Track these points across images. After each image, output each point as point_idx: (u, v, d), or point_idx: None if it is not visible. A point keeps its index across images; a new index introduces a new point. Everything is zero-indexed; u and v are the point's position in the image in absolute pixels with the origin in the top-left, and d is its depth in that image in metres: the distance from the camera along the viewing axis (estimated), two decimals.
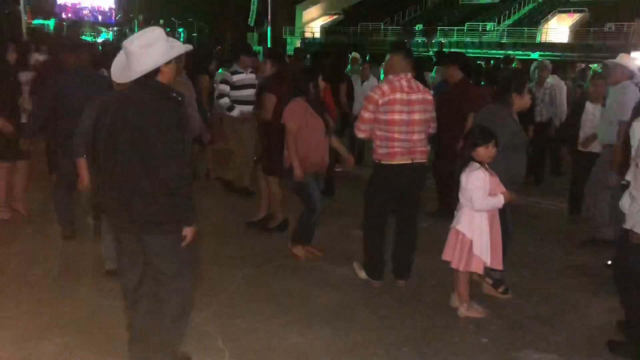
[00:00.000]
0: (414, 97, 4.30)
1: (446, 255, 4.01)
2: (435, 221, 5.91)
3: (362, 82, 8.53)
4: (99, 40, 24.30)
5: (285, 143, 4.81)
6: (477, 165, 3.80)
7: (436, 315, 4.05)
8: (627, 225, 3.44)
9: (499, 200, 3.82)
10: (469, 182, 3.80)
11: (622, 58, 5.46)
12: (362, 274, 4.62)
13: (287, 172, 4.90)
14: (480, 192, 3.77)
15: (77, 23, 29.90)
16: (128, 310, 3.16)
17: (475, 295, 4.18)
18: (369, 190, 4.55)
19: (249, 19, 33.54)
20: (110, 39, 26.59)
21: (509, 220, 4.24)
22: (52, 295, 4.15)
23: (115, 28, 29.46)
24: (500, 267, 3.98)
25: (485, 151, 3.78)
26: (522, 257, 5.05)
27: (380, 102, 4.24)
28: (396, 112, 4.25)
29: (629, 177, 3.55)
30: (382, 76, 5.10)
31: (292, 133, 4.72)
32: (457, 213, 3.97)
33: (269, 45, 28.62)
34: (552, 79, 7.96)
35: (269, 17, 32.96)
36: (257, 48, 27.45)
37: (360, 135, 4.47)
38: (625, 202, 3.51)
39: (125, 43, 2.83)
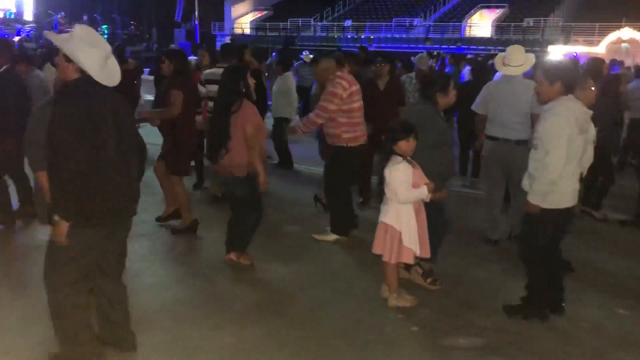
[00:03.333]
0: (357, 87, 5.19)
1: (376, 249, 4.05)
2: (362, 214, 5.98)
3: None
4: (15, 37, 22.98)
5: (241, 147, 4.38)
6: (400, 158, 3.86)
7: (367, 307, 4.09)
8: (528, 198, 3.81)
9: (423, 192, 3.89)
10: (392, 176, 3.85)
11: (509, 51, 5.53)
12: (331, 237, 5.36)
13: (235, 180, 4.51)
14: (403, 185, 3.83)
15: None
16: None
17: (405, 285, 4.25)
18: (337, 169, 5.34)
19: (176, 15, 32.71)
20: (29, 37, 25.21)
21: (444, 213, 4.37)
22: None
23: (33, 24, 27.96)
24: (428, 255, 4.07)
25: (406, 145, 3.84)
26: (451, 245, 5.15)
27: (344, 95, 5.03)
28: (355, 101, 5.12)
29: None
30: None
31: (252, 136, 4.37)
32: (384, 206, 4.02)
33: (197, 42, 28.12)
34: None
35: (196, 12, 32.30)
36: (184, 45, 26.90)
37: (320, 121, 5.17)
38: (525, 182, 3.87)
39: None
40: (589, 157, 4.26)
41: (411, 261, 4.03)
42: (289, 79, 8.36)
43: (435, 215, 4.18)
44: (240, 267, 4.72)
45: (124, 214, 3.11)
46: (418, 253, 3.97)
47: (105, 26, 26.61)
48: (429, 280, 4.39)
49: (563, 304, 4.06)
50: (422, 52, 8.53)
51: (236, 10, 44.98)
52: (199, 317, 3.90)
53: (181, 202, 5.46)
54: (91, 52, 2.87)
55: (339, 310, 4.05)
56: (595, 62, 8.07)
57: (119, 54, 9.04)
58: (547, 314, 3.96)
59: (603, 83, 6.21)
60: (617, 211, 6.41)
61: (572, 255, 4.84)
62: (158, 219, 5.64)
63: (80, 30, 2.95)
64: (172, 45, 25.10)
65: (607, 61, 12.82)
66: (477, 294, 4.37)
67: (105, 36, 22.76)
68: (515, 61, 5.31)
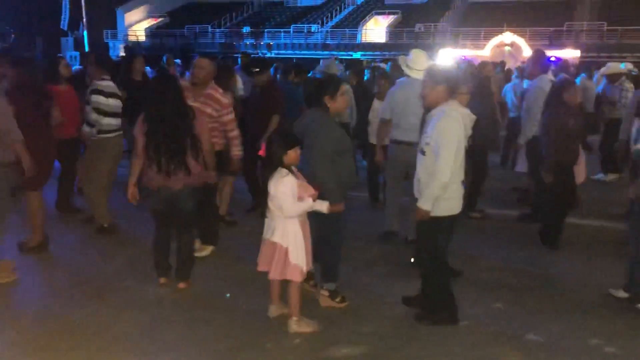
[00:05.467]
0: None
1: (262, 266, 3.83)
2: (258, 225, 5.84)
3: None
4: None
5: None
6: (286, 171, 3.66)
7: (250, 323, 3.95)
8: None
9: (308, 204, 3.71)
10: (278, 190, 3.64)
11: (413, 54, 5.73)
12: (209, 249, 5.22)
13: (190, 192, 4.36)
14: (289, 198, 3.64)
15: None
16: None
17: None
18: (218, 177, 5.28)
19: (61, 23, 30.85)
20: None
21: (341, 226, 4.24)
22: None
23: None
24: (310, 266, 3.92)
25: (295, 155, 3.67)
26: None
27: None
28: None
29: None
30: None
31: (208, 143, 4.47)
32: (268, 222, 3.80)
33: (86, 50, 26.65)
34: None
35: (84, 20, 30.65)
36: (73, 54, 25.40)
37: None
38: (415, 188, 3.94)
39: None
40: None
41: (298, 278, 3.79)
42: None
43: (333, 230, 4.10)
44: (119, 290, 4.44)
45: None
46: (305, 269, 3.79)
47: None
48: (337, 299, 4.23)
49: None
50: (328, 58, 8.52)
51: (130, 17, 43.44)
52: (65, 348, 3.58)
53: (35, 219, 5.08)
54: None
55: (220, 330, 3.87)
56: (472, 65, 8.48)
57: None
58: (457, 318, 3.98)
59: (475, 85, 6.48)
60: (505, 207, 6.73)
61: (455, 253, 4.95)
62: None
63: None
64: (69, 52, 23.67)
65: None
66: (362, 299, 4.35)
67: None
68: (419, 65, 5.37)
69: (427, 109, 3.95)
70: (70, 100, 5.84)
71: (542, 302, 4.39)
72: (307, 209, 3.75)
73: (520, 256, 5.37)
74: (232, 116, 5.11)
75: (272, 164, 3.69)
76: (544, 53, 6.58)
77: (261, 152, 3.77)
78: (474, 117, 3.97)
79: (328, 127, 4.00)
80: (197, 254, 5.06)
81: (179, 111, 4.19)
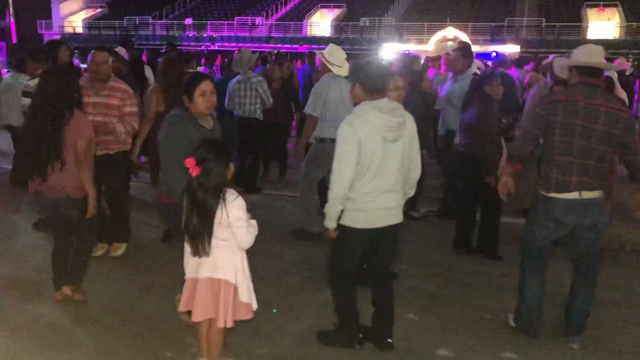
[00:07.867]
0: None
1: (202, 315, 3.02)
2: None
3: None
4: None
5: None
6: (235, 192, 2.98)
7: (149, 332, 3.53)
8: None
9: (255, 227, 3.05)
10: (233, 215, 2.92)
11: (333, 50, 5.42)
12: (124, 245, 5.02)
13: (69, 202, 3.79)
14: (245, 224, 2.96)
15: None
16: None
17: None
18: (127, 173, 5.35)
19: None
20: None
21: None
22: None
23: None
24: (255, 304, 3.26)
25: (232, 168, 3.05)
26: (250, 255, 4.73)
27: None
28: None
29: None
30: None
31: (85, 153, 3.77)
32: (207, 258, 2.98)
33: (13, 42, 25.22)
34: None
35: (11, 9, 28.89)
36: None
37: None
38: None
39: None
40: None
41: (250, 315, 3.13)
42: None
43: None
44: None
45: None
46: (255, 306, 3.14)
47: None
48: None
49: (390, 340, 3.55)
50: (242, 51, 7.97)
51: (65, 7, 41.67)
52: None
53: None
54: None
55: (121, 341, 3.46)
56: (406, 59, 8.21)
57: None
58: (361, 339, 3.54)
59: (409, 80, 6.22)
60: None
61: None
62: None
63: None
64: None
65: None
66: (265, 314, 3.96)
67: None
68: (336, 59, 5.26)
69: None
70: None
71: (456, 310, 4.15)
72: (256, 231, 3.08)
73: (440, 259, 5.14)
74: (135, 109, 4.78)
75: (210, 183, 2.88)
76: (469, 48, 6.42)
77: (192, 172, 2.89)
78: (396, 120, 3.29)
79: (182, 129, 3.45)
80: (112, 254, 4.94)
81: (51, 111, 3.61)
